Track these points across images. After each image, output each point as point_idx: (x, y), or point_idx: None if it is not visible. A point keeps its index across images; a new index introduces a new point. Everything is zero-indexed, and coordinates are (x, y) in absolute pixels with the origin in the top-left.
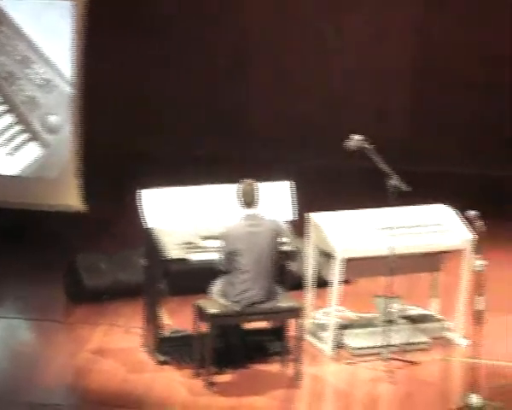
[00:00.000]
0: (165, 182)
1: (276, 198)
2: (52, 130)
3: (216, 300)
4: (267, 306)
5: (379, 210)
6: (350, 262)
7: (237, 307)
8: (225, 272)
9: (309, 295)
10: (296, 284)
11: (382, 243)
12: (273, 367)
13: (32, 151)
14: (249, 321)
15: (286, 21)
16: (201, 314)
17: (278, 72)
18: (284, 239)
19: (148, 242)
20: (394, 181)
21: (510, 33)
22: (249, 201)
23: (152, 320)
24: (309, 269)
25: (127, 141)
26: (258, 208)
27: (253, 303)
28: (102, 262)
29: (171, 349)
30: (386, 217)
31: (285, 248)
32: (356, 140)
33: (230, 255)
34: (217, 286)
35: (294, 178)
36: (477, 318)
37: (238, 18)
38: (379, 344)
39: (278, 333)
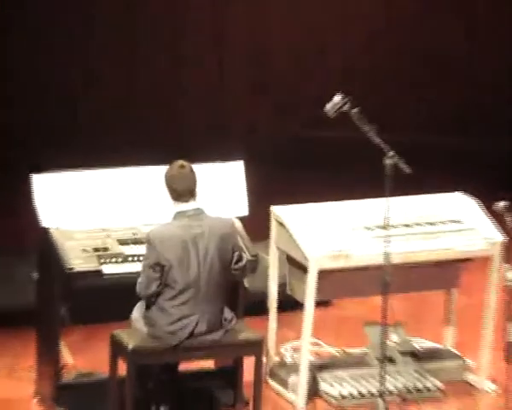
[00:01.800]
0: (66, 163)
1: (223, 186)
2: None
3: (140, 330)
4: (213, 338)
5: (369, 202)
6: (329, 275)
7: (171, 341)
8: (150, 298)
9: (272, 323)
10: (254, 306)
11: (374, 248)
12: None
13: None
14: (188, 360)
15: None
16: (119, 350)
17: None
18: (238, 244)
19: (42, 247)
20: (392, 159)
21: None
22: (183, 191)
23: (48, 359)
24: (272, 285)
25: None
26: (197, 202)
27: (194, 335)
28: None
29: (76, 400)
30: (379, 211)
31: (238, 256)
32: (337, 102)
33: (157, 271)
34: (142, 311)
35: (245, 156)
36: (509, 353)
37: None
38: (371, 392)
39: (229, 377)
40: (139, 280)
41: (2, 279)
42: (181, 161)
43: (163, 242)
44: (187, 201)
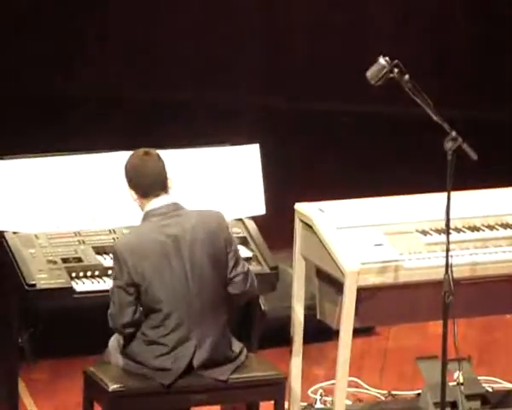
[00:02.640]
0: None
1: (232, 176)
2: None
3: (120, 365)
4: (219, 375)
5: (423, 197)
6: (372, 294)
7: (163, 379)
8: (126, 329)
9: (297, 357)
10: (273, 334)
11: (431, 259)
12: None
13: None
14: (187, 405)
15: None
16: (96, 393)
17: None
18: (233, 241)
19: None
20: (455, 142)
21: None
22: (152, 184)
23: (2, 404)
24: (297, 307)
25: None
26: (171, 196)
27: (193, 366)
28: None
29: None
30: (436, 210)
31: (235, 259)
32: (382, 66)
33: (131, 293)
34: (120, 342)
35: (260, 135)
36: None
37: None
38: None
39: None
40: (110, 310)
41: None
42: (144, 149)
43: (134, 253)
44: (158, 195)
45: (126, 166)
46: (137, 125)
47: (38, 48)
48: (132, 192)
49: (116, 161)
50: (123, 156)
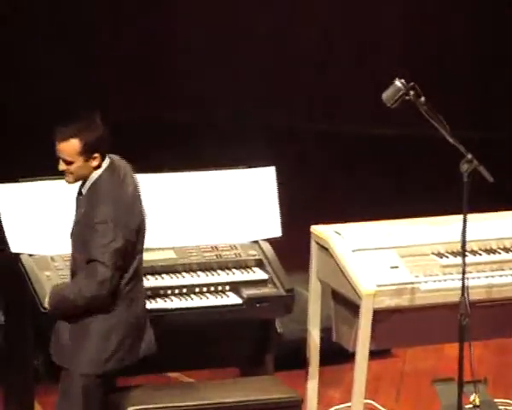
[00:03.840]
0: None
1: (248, 198)
2: None
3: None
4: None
5: (439, 219)
6: (388, 316)
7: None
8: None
9: (313, 380)
10: (289, 357)
11: (447, 282)
12: None
13: None
14: None
15: None
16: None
17: None
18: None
19: (10, 279)
20: (470, 164)
21: None
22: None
23: None
24: (312, 330)
25: None
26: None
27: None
28: None
29: None
30: (452, 232)
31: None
32: (399, 88)
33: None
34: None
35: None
36: None
37: None
38: None
39: None
40: (103, 277)
41: None
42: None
43: (120, 206)
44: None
45: (88, 132)
46: (151, 146)
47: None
48: (92, 153)
49: None
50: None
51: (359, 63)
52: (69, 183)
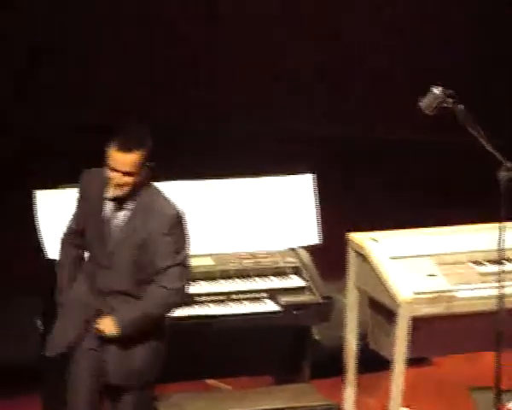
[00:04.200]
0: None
1: (286, 205)
2: None
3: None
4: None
5: (476, 227)
6: (426, 324)
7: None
8: None
9: (350, 387)
10: (326, 364)
11: (485, 289)
12: None
13: None
14: None
15: None
16: None
17: None
18: None
19: (47, 286)
20: (508, 172)
21: None
22: None
23: None
24: (350, 337)
25: None
26: None
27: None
28: None
29: None
30: (490, 240)
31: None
32: (437, 96)
33: None
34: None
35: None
36: None
37: None
38: None
39: None
40: (180, 284)
41: None
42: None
43: None
44: None
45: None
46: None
47: None
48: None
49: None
50: (174, 185)
51: None
52: (119, 195)
